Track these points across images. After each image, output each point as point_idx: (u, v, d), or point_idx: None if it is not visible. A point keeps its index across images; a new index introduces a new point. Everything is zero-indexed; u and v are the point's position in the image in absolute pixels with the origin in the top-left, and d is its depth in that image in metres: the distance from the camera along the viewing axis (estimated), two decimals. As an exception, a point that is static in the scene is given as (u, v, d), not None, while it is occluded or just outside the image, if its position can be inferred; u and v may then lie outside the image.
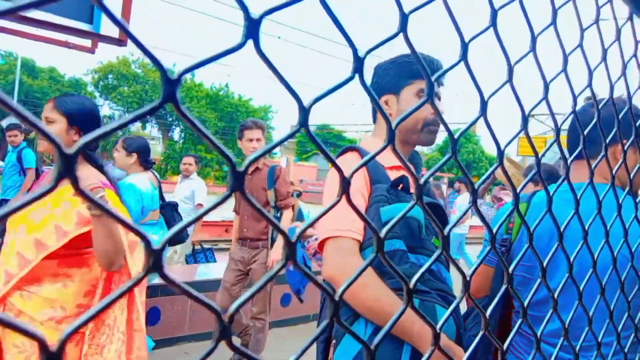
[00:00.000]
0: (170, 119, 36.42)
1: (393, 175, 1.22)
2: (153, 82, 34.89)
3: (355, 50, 0.31)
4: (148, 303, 3.54)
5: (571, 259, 0.59)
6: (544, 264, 0.53)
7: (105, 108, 36.08)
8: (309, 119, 0.30)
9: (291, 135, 0.28)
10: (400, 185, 1.17)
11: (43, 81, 32.64)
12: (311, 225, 0.30)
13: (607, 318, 0.68)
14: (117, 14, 0.22)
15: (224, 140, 37.25)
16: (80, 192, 0.22)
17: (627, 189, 0.69)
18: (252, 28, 0.26)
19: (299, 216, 3.66)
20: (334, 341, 1.16)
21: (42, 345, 0.22)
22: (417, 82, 1.31)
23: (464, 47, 0.40)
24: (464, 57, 0.41)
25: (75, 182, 0.22)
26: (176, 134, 37.85)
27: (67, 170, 0.22)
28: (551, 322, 1.15)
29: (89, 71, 35.59)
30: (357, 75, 0.32)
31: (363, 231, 1.13)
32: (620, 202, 0.68)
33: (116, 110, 35.06)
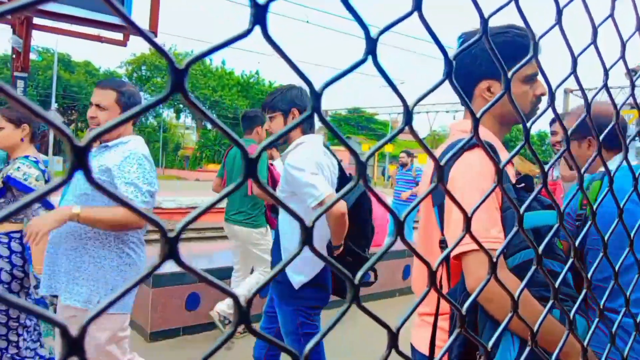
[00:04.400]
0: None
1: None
2: (185, 72, 35.55)
3: (367, 31, 0.30)
4: (187, 289, 3.63)
5: (605, 237, 0.57)
6: (571, 238, 0.52)
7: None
8: (321, 103, 0.29)
9: (302, 121, 0.28)
10: (523, 185, 1.14)
11: (79, 75, 33.57)
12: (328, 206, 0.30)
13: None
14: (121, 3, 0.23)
15: (255, 127, 37.45)
16: (94, 183, 0.23)
17: None
18: (259, 14, 0.26)
19: None
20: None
21: (64, 331, 0.23)
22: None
23: (484, 23, 0.39)
24: (484, 32, 0.39)
25: (88, 174, 0.22)
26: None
27: (79, 162, 0.22)
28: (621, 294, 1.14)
29: (123, 63, 36.40)
30: (370, 57, 0.31)
31: (504, 238, 1.05)
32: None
33: (150, 101, 35.69)
